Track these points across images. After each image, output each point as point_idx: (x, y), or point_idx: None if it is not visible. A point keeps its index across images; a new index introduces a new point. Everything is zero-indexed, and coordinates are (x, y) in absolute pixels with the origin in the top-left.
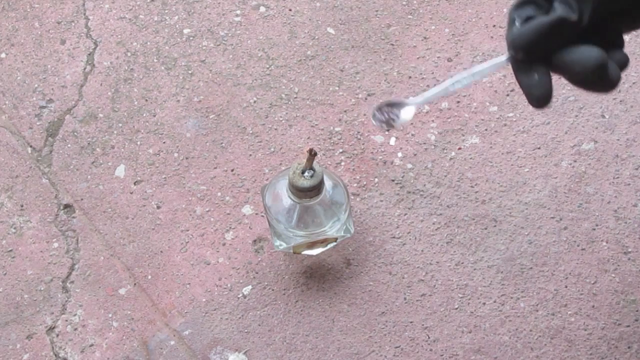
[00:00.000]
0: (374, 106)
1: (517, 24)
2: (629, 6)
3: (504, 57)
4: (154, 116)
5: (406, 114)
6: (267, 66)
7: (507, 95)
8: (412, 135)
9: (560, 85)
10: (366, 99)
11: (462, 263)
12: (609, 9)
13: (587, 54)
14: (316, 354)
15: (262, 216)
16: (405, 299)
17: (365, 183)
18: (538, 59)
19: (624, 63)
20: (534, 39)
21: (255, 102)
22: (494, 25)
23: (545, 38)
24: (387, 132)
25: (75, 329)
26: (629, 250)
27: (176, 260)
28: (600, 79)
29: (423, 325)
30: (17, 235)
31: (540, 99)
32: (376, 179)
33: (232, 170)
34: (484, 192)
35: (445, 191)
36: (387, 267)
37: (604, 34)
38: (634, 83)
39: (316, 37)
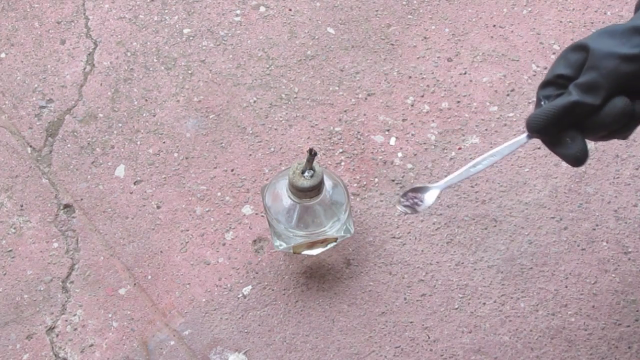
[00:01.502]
0: (400, 194)
1: (542, 103)
2: None
3: (524, 135)
4: (154, 116)
5: (430, 198)
6: (267, 66)
7: (508, 95)
8: (412, 135)
9: None
10: (366, 99)
11: (462, 263)
12: (626, 91)
13: (613, 104)
14: (316, 354)
15: (262, 216)
16: (405, 299)
17: (365, 183)
18: (564, 129)
19: None
20: (546, 122)
21: (255, 102)
22: (494, 25)
23: (558, 120)
24: (410, 214)
25: (75, 329)
26: (629, 250)
27: (176, 260)
28: (628, 122)
29: (423, 325)
30: (17, 235)
31: (579, 158)
32: (376, 179)
33: (232, 170)
34: (484, 192)
35: (445, 191)
36: (387, 267)
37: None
38: None
39: (316, 37)
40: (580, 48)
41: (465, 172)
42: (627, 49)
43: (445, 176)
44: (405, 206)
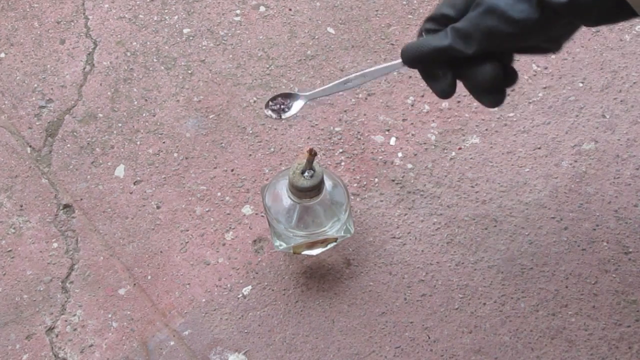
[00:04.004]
0: (269, 97)
1: (423, 35)
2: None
3: (399, 61)
4: (154, 116)
5: (296, 107)
6: (267, 66)
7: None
8: (412, 135)
9: (561, 85)
10: (366, 99)
11: (463, 263)
12: (499, 49)
13: (484, 69)
14: (316, 354)
15: (262, 216)
16: (405, 299)
17: (365, 183)
18: (436, 65)
19: (514, 78)
20: (418, 57)
21: (255, 102)
22: None
23: (429, 58)
24: (275, 119)
25: (75, 329)
26: (630, 250)
27: (176, 261)
28: (495, 87)
29: (423, 325)
30: (16, 235)
31: (445, 91)
32: (376, 179)
33: (232, 170)
34: (485, 192)
35: (446, 191)
36: (387, 267)
37: (500, 57)
38: (634, 83)
39: (316, 37)
40: None
41: (335, 87)
42: (512, 12)
43: (317, 90)
44: (272, 110)
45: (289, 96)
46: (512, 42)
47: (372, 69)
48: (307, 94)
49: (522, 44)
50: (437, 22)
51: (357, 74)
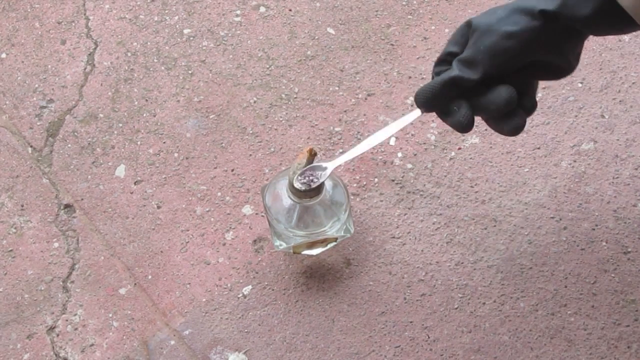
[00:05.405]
0: (298, 172)
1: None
2: (522, 67)
3: (416, 110)
4: (154, 116)
5: (324, 176)
6: (267, 66)
7: None
8: (412, 135)
9: (560, 85)
10: (366, 99)
11: (462, 263)
12: (506, 68)
13: (498, 92)
14: (316, 354)
15: (262, 216)
16: (405, 298)
17: (365, 183)
18: (450, 99)
19: (531, 107)
20: (429, 97)
21: (255, 102)
22: None
23: (441, 94)
24: (306, 191)
25: (76, 329)
26: (629, 250)
27: (176, 260)
28: (510, 113)
29: (423, 325)
30: (17, 235)
31: (462, 123)
32: (376, 179)
33: (232, 170)
34: (484, 192)
35: (445, 191)
36: (387, 267)
37: (515, 84)
38: (633, 83)
39: (316, 37)
40: (467, 25)
41: (359, 149)
42: (507, 26)
43: (346, 151)
44: (302, 183)
45: (316, 168)
46: (515, 56)
47: (395, 123)
48: (332, 162)
49: (525, 57)
50: (446, 62)
51: (381, 131)
